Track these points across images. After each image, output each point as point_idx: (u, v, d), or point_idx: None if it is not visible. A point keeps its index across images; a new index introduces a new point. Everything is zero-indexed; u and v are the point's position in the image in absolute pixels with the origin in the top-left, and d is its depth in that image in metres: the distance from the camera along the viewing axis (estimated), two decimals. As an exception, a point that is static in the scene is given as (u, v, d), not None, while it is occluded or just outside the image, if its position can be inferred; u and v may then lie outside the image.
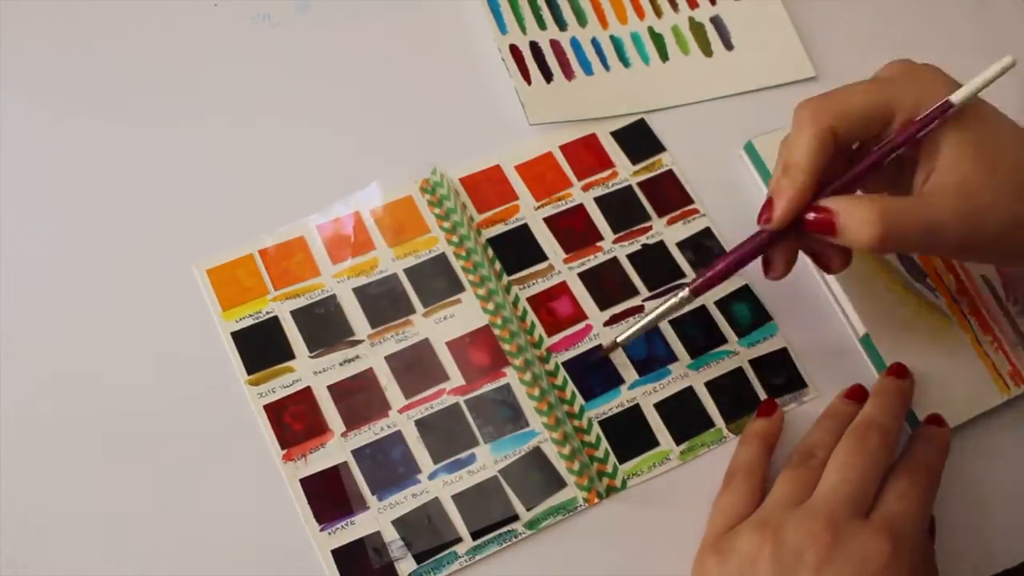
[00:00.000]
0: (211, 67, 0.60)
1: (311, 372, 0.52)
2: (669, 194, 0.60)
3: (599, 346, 0.54)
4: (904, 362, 0.55)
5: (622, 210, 0.59)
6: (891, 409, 0.52)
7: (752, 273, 0.58)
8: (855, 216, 0.47)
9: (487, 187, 0.59)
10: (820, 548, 0.45)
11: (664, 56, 0.64)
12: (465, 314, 0.55)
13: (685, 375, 0.55)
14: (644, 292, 0.57)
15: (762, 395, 0.55)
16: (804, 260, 0.59)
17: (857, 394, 0.54)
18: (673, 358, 0.55)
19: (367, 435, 0.51)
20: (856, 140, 0.50)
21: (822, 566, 0.45)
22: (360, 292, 0.55)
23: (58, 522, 0.48)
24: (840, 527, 0.46)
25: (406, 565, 0.49)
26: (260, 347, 0.52)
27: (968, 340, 0.56)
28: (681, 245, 0.58)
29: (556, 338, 0.55)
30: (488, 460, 0.51)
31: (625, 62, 0.64)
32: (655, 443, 0.53)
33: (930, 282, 0.58)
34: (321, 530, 0.49)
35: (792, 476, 0.49)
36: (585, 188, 0.59)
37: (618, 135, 0.61)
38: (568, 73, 0.62)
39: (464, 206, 0.57)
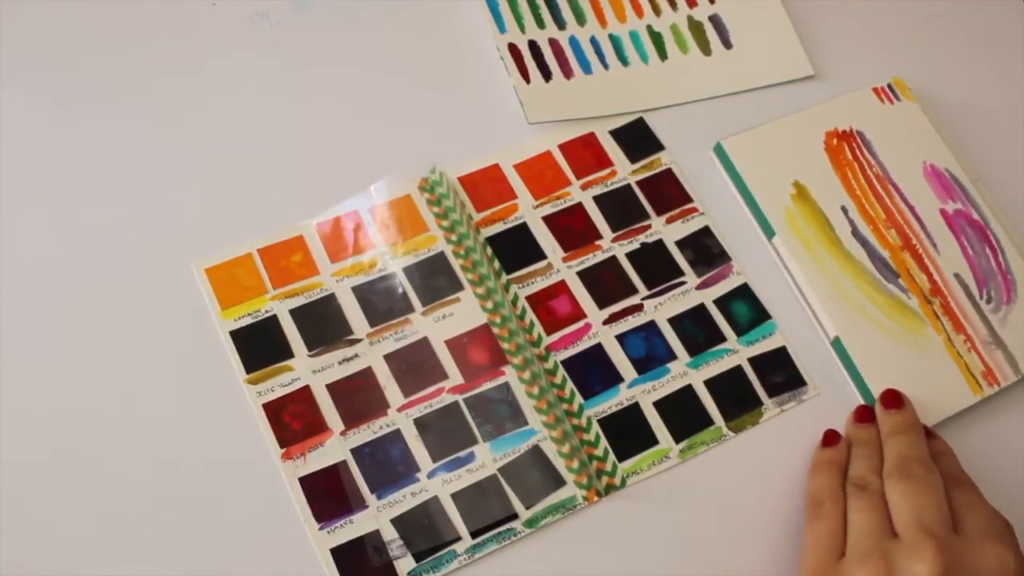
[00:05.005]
0: (210, 66, 0.60)
1: (310, 371, 0.52)
2: (668, 193, 0.60)
3: None
4: (876, 365, 0.54)
5: (621, 209, 0.59)
6: (914, 439, 0.51)
7: (751, 271, 0.58)
8: None
9: (486, 186, 0.59)
10: (943, 574, 0.44)
11: (663, 55, 0.64)
12: (464, 313, 0.55)
13: (684, 373, 0.55)
14: (643, 291, 0.57)
15: (761, 393, 0.55)
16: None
17: (867, 415, 0.54)
18: (672, 356, 0.55)
19: (366, 434, 0.51)
20: None
21: None
22: (359, 291, 0.55)
23: (58, 522, 0.48)
24: (952, 548, 0.44)
25: (405, 564, 0.48)
26: (259, 346, 0.52)
27: (941, 341, 0.56)
28: (680, 243, 0.58)
29: (555, 337, 0.55)
30: (487, 458, 0.51)
31: (624, 61, 0.64)
32: (654, 441, 0.53)
33: (903, 282, 0.57)
34: (320, 529, 0.49)
35: (863, 505, 0.48)
36: (584, 187, 0.59)
37: (617, 134, 0.61)
38: (567, 72, 0.62)
39: (463, 205, 0.57)
